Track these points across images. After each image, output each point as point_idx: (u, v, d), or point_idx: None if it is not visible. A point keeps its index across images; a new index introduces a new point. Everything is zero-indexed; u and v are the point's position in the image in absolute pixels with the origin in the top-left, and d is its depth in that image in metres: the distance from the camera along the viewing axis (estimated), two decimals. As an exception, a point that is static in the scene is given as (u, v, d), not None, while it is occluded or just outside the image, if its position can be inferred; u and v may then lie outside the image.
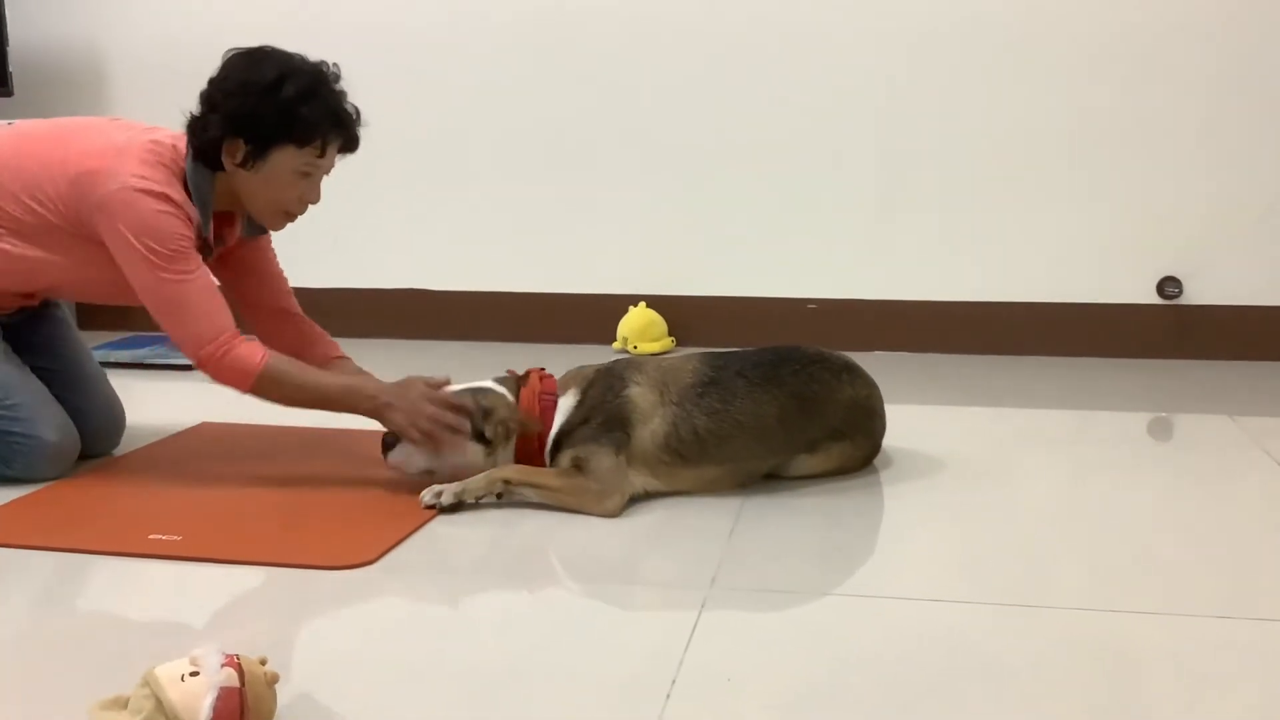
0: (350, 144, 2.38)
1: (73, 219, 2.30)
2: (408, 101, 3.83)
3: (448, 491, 2.21)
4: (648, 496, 2.27)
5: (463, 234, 3.95)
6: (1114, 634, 1.70)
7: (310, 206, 2.41)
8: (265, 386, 2.30)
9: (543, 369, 2.40)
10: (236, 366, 2.27)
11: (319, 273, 4.02)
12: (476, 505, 2.22)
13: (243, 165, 2.31)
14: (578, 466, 2.23)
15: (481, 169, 3.90)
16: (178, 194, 2.29)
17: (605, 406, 2.27)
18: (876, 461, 2.48)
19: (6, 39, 3.80)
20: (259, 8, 3.80)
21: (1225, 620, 1.74)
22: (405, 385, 2.33)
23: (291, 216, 2.42)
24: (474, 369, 2.51)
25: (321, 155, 2.34)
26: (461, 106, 3.87)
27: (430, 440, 2.28)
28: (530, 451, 2.33)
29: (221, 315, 2.30)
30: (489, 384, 2.36)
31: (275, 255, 2.63)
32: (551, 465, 2.31)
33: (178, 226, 2.27)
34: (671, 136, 3.78)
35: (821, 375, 2.35)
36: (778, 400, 2.30)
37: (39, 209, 2.31)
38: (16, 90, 3.84)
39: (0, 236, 2.34)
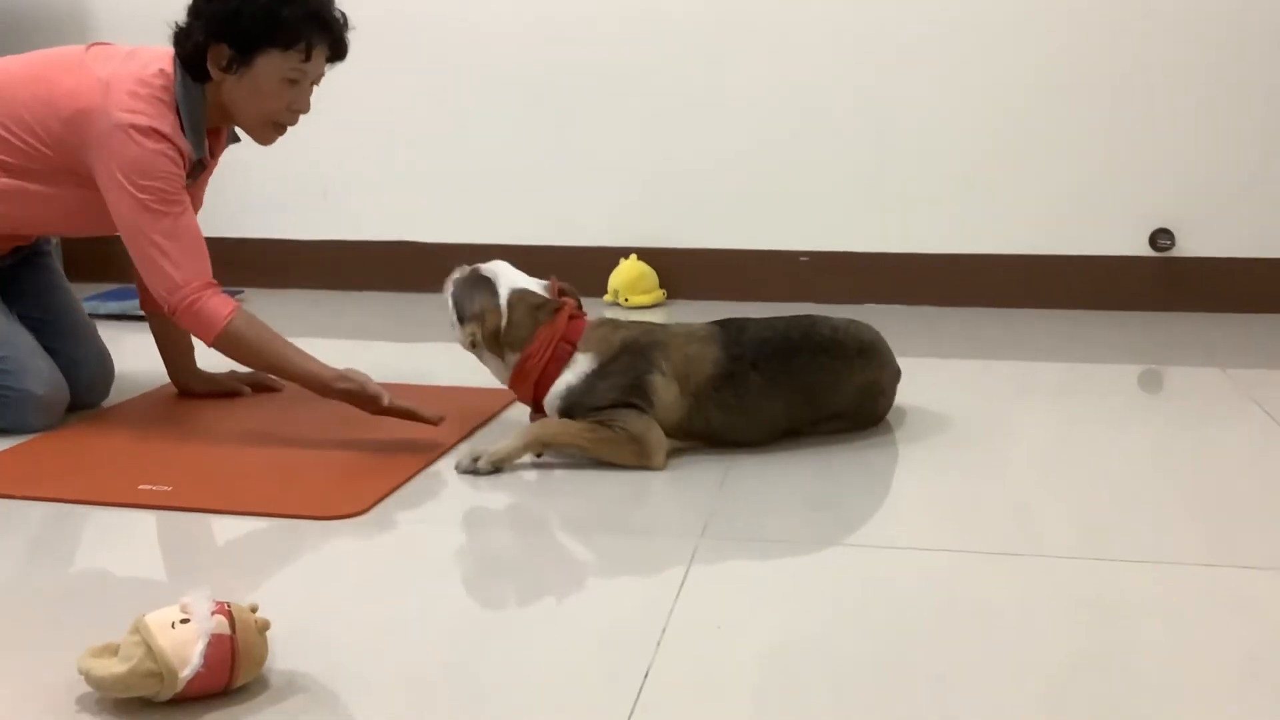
0: (337, 49, 2.36)
1: (69, 158, 2.29)
2: (397, 52, 3.80)
3: (485, 458, 2.16)
4: None
5: (452, 186, 3.92)
6: (1102, 582, 1.71)
7: (301, 117, 2.39)
8: (227, 343, 2.30)
9: (577, 305, 2.31)
10: (203, 318, 2.27)
11: (308, 225, 4.01)
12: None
13: (228, 70, 2.28)
14: (605, 425, 2.17)
15: (471, 121, 3.87)
16: (168, 126, 2.26)
17: (627, 384, 2.19)
18: (867, 413, 2.48)
19: (-12, -13, 3.75)
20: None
21: (1212, 568, 1.75)
22: (364, 380, 2.30)
23: (281, 128, 2.40)
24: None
25: (307, 60, 2.30)
26: (451, 58, 3.83)
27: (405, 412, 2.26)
28: (524, 394, 2.28)
29: (197, 261, 2.29)
30: (532, 284, 2.29)
31: (206, 187, 2.63)
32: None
33: (167, 165, 2.25)
34: (662, 88, 3.75)
35: (833, 366, 2.29)
36: (784, 395, 2.26)
37: (37, 149, 2.29)
38: None
39: (3, 177, 2.31)
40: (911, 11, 3.58)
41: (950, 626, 1.58)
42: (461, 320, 2.30)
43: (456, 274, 2.35)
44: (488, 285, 2.29)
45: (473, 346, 2.28)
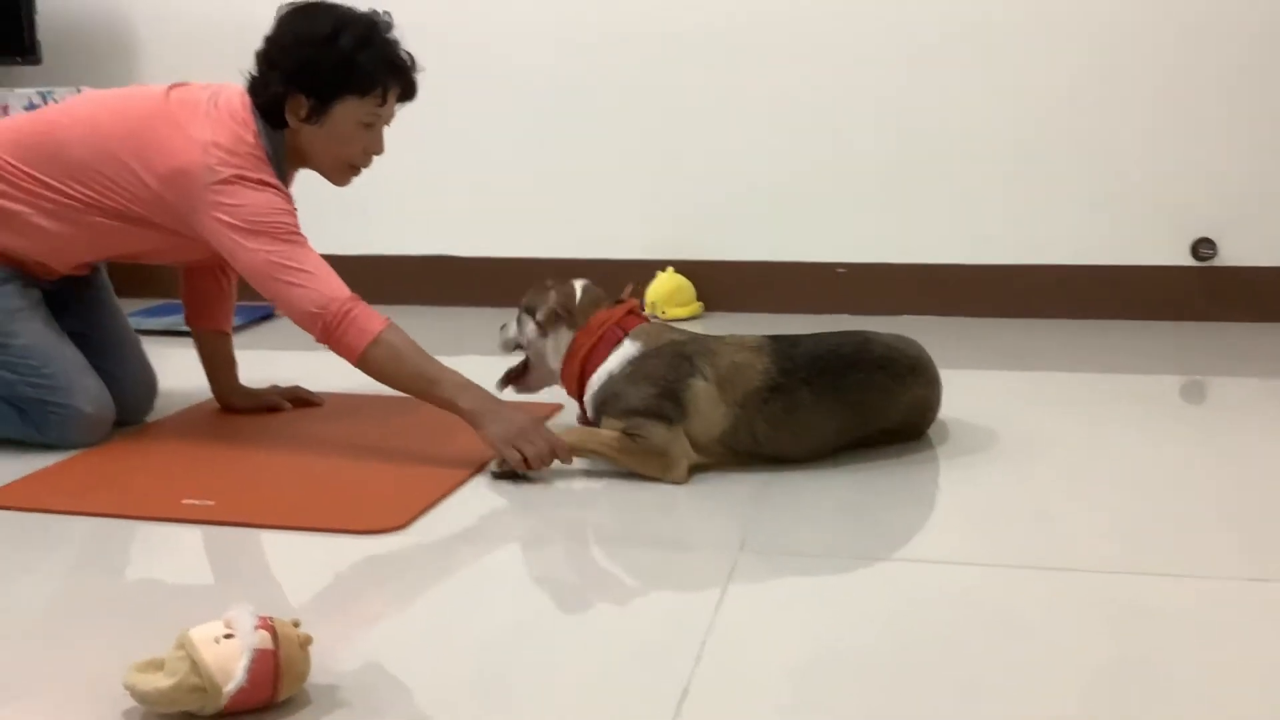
0: (409, 90, 2.41)
1: (166, 214, 2.32)
2: (432, 70, 3.82)
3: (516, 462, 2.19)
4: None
5: (488, 201, 3.94)
6: (1139, 596, 1.69)
7: (375, 159, 2.43)
8: (377, 355, 2.23)
9: (639, 304, 2.38)
10: (356, 327, 2.23)
11: (345, 240, 4.02)
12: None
13: (307, 120, 2.32)
14: (631, 437, 2.19)
15: (506, 135, 3.89)
16: (269, 175, 2.30)
17: (664, 384, 2.20)
18: (905, 425, 2.48)
19: (35, 6, 3.81)
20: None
21: (1251, 582, 1.73)
22: (511, 407, 2.26)
23: (356, 170, 2.45)
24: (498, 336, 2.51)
25: (383, 104, 2.35)
26: (485, 72, 3.86)
27: (512, 457, 2.19)
28: (570, 376, 2.32)
29: (335, 281, 2.27)
30: (575, 281, 2.39)
31: None
32: (596, 416, 2.29)
33: (278, 201, 2.29)
34: (697, 101, 3.75)
35: (884, 383, 2.28)
36: (838, 413, 2.26)
37: (132, 199, 2.32)
38: (45, 58, 3.85)
39: (101, 217, 2.35)
40: (949, 21, 3.57)
41: (986, 640, 1.57)
42: (530, 310, 2.37)
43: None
44: (561, 283, 2.37)
45: (550, 322, 2.32)
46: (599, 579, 1.83)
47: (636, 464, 2.20)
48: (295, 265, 2.26)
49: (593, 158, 3.86)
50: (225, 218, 2.26)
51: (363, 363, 2.26)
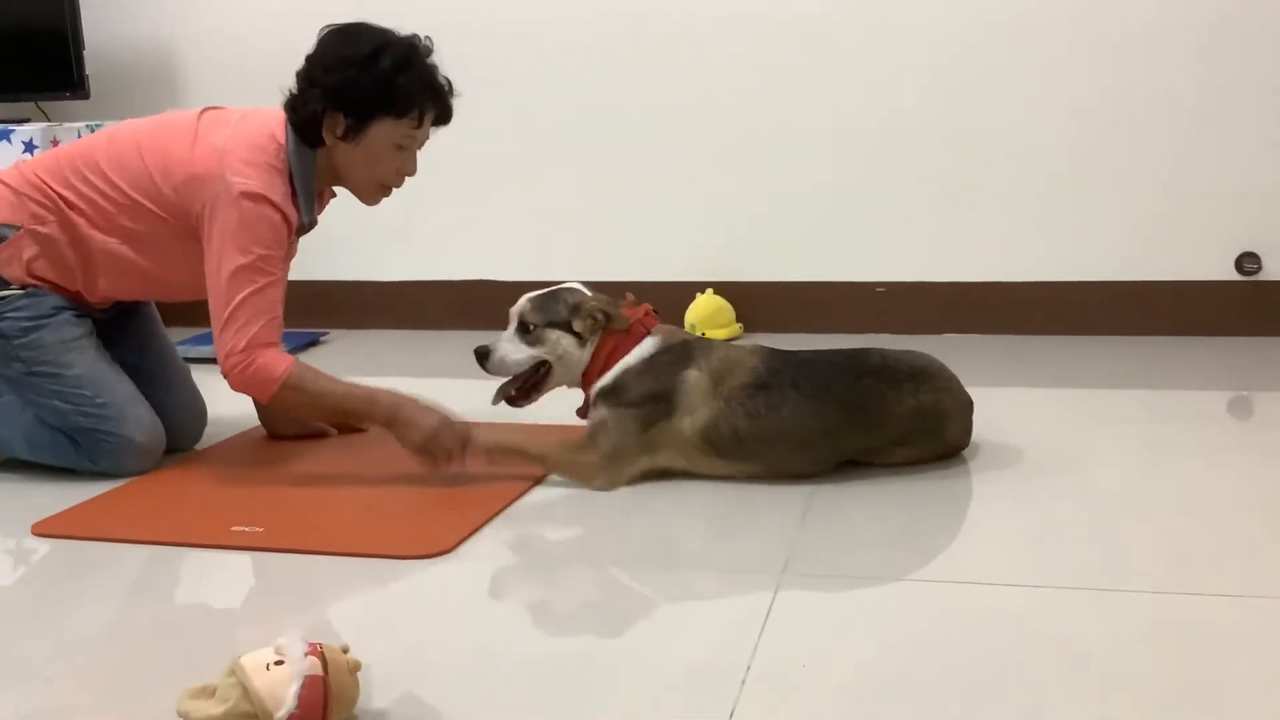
0: (445, 115, 2.44)
1: (184, 224, 2.37)
2: (474, 93, 3.85)
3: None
4: (667, 475, 2.30)
5: (529, 225, 3.96)
6: (1192, 617, 1.68)
7: (407, 179, 2.47)
8: (285, 398, 2.36)
9: (653, 309, 2.43)
10: (258, 377, 2.32)
11: (390, 266, 4.08)
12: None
13: (343, 139, 2.36)
14: (592, 435, 2.30)
15: (546, 160, 3.92)
16: (278, 194, 2.33)
17: (662, 378, 2.29)
18: (948, 445, 2.46)
19: (83, 43, 3.88)
20: (327, 3, 3.84)
21: (1309, 602, 1.71)
22: (426, 410, 2.36)
23: (388, 190, 2.48)
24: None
25: (419, 126, 2.39)
26: (526, 96, 3.89)
27: (430, 463, 2.34)
28: (593, 373, 2.36)
29: (266, 333, 2.33)
30: (572, 284, 2.43)
31: None
32: (592, 406, 2.35)
33: (271, 234, 2.32)
34: (735, 122, 3.76)
35: (877, 388, 2.28)
36: (824, 415, 2.26)
37: (157, 215, 2.38)
38: (93, 92, 3.92)
39: (119, 243, 2.41)
40: (986, 39, 3.56)
41: (1035, 662, 1.56)
42: (553, 324, 2.37)
43: (520, 303, 2.45)
44: (566, 290, 2.41)
45: (590, 331, 2.35)
46: (644, 602, 1.84)
47: (563, 470, 2.32)
48: (238, 307, 2.30)
49: (632, 181, 3.87)
50: (220, 225, 2.30)
51: (274, 404, 2.41)
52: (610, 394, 2.32)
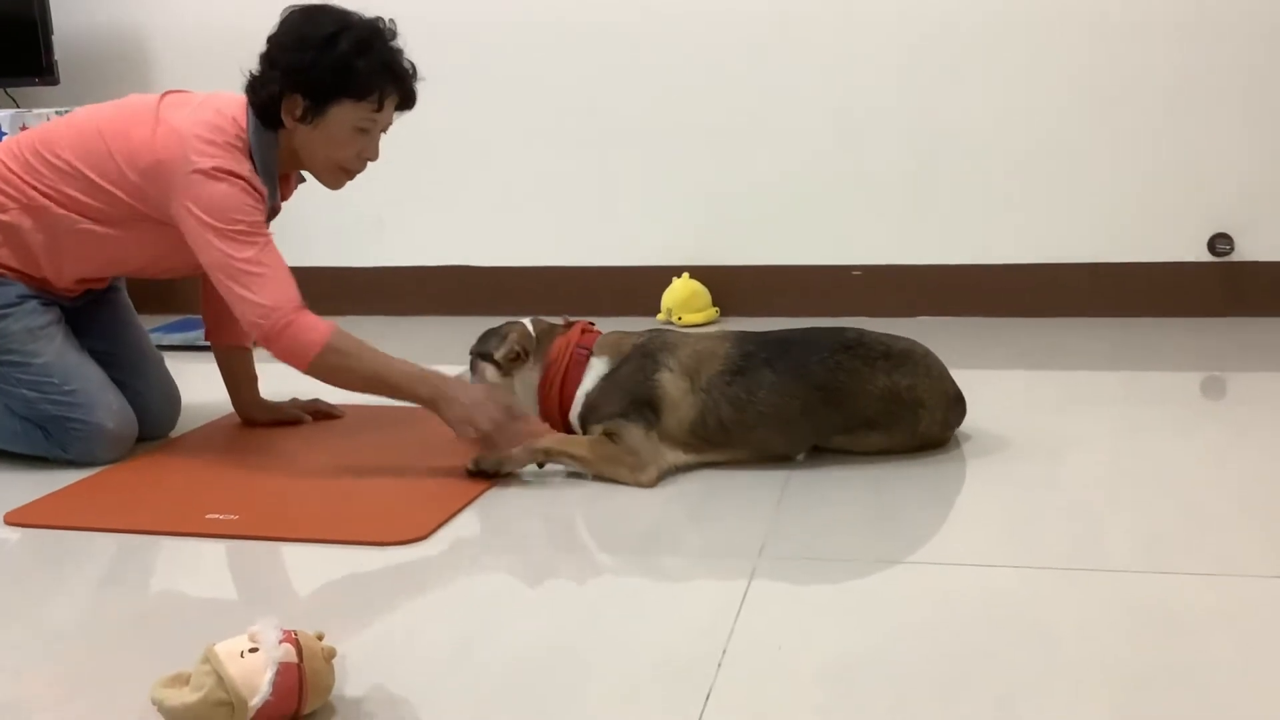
0: (407, 99, 2.41)
1: (150, 208, 2.35)
2: (450, 80, 3.83)
3: (490, 461, 2.25)
4: (680, 470, 2.27)
5: (503, 210, 3.95)
6: (1166, 596, 1.69)
7: (369, 165, 2.44)
8: (326, 362, 2.28)
9: (591, 323, 2.42)
10: (300, 338, 2.27)
11: (365, 253, 4.06)
12: (521, 476, 2.25)
13: (302, 120, 2.33)
14: (609, 436, 2.24)
15: (523, 146, 3.90)
16: (244, 169, 2.32)
17: (635, 387, 2.27)
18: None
19: (52, 28, 3.85)
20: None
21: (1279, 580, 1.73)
22: (468, 385, 2.36)
23: (350, 174, 2.45)
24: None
25: (379, 110, 2.36)
26: (502, 83, 3.87)
27: (486, 440, 2.29)
28: (550, 408, 2.35)
29: (287, 287, 2.30)
30: (522, 320, 2.43)
31: None
32: (583, 434, 2.32)
33: (246, 199, 2.31)
34: (710, 106, 3.75)
35: (851, 364, 2.26)
36: (800, 393, 2.25)
37: (122, 199, 2.35)
38: (62, 78, 3.89)
39: (90, 223, 2.38)
40: (959, 20, 3.56)
41: (1014, 643, 1.57)
42: (484, 355, 2.39)
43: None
44: (511, 324, 2.41)
45: (511, 361, 2.36)
46: (620, 586, 1.84)
47: (607, 467, 2.23)
48: (248, 270, 2.28)
49: (608, 167, 3.86)
50: (195, 208, 2.28)
51: (313, 370, 2.31)
52: (591, 417, 2.31)
